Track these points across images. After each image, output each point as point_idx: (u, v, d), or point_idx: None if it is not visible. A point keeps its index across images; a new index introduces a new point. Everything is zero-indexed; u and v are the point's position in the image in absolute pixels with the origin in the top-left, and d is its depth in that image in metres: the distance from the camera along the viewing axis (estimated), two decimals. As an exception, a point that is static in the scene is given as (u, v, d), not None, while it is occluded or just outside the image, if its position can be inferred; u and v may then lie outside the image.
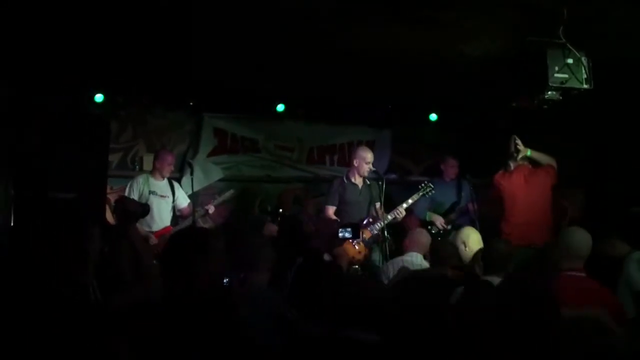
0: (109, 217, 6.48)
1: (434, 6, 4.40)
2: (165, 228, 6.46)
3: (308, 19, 4.67)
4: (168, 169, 6.66)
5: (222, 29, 4.98)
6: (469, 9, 4.43)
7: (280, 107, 7.45)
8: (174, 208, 6.68)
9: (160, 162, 6.63)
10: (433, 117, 7.94)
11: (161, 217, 6.51)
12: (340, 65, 5.81)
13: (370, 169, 6.26)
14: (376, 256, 6.09)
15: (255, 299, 2.80)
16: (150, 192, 6.50)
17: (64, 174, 5.73)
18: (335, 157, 8.27)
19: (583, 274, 3.70)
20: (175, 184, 6.80)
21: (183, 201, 6.73)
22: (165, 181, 6.66)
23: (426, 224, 6.72)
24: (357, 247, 5.70)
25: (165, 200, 6.59)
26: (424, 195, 6.49)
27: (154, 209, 6.35)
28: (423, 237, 5.35)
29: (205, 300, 2.48)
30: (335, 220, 5.96)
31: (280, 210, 6.92)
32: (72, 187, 5.66)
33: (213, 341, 2.41)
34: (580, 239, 3.82)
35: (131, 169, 7.39)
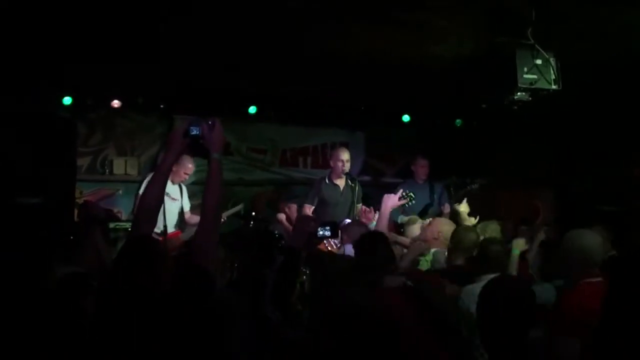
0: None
1: (405, 8, 4.41)
2: (175, 232, 6.35)
3: (279, 20, 4.65)
4: (182, 176, 6.46)
5: (193, 29, 4.94)
6: (438, 10, 4.44)
7: (252, 109, 7.39)
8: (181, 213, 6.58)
9: (177, 166, 6.28)
10: (406, 118, 7.94)
11: (169, 219, 6.28)
12: (312, 67, 5.79)
13: (344, 169, 6.19)
14: None
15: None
16: (165, 194, 6.34)
17: (30, 179, 5.60)
18: (309, 159, 8.24)
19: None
20: (183, 188, 6.67)
21: (186, 206, 6.63)
22: (177, 185, 6.54)
23: (399, 227, 6.68)
24: (329, 248, 5.63)
25: (175, 204, 6.50)
26: (407, 204, 6.01)
27: (166, 210, 6.09)
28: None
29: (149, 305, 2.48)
30: (313, 218, 5.87)
31: (253, 213, 6.86)
32: (39, 192, 5.54)
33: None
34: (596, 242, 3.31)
35: (101, 173, 7.29)
